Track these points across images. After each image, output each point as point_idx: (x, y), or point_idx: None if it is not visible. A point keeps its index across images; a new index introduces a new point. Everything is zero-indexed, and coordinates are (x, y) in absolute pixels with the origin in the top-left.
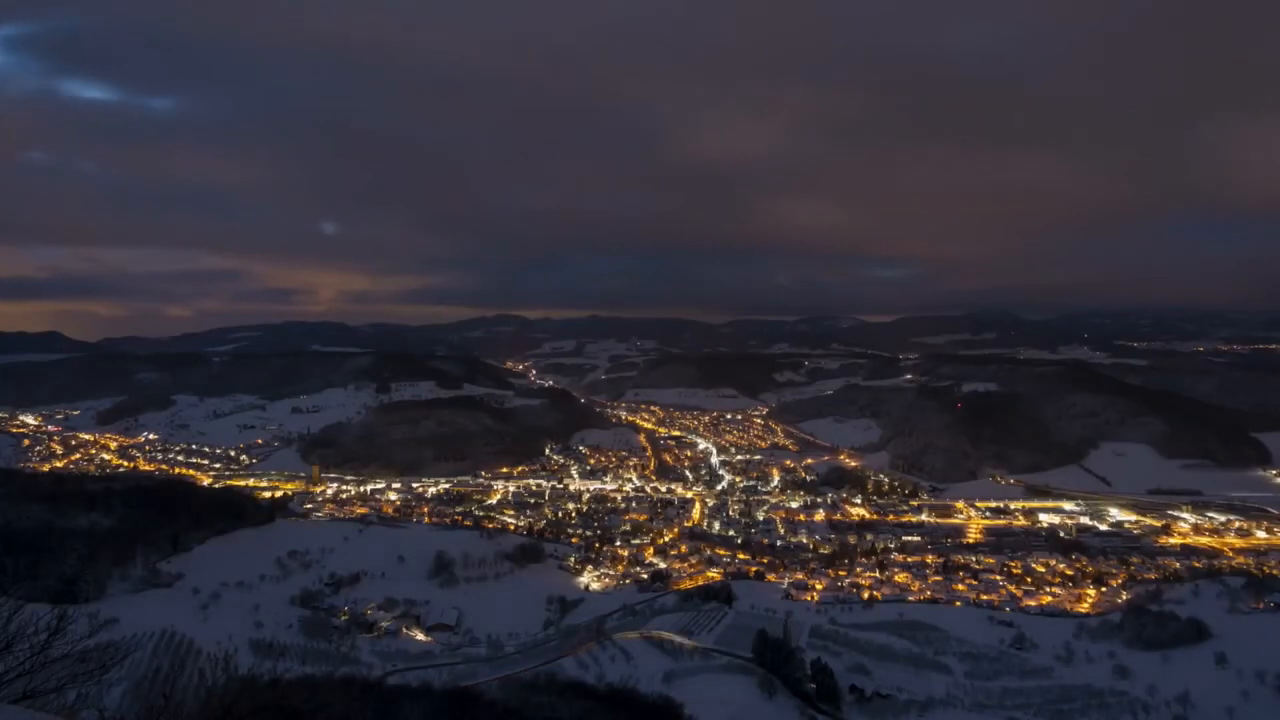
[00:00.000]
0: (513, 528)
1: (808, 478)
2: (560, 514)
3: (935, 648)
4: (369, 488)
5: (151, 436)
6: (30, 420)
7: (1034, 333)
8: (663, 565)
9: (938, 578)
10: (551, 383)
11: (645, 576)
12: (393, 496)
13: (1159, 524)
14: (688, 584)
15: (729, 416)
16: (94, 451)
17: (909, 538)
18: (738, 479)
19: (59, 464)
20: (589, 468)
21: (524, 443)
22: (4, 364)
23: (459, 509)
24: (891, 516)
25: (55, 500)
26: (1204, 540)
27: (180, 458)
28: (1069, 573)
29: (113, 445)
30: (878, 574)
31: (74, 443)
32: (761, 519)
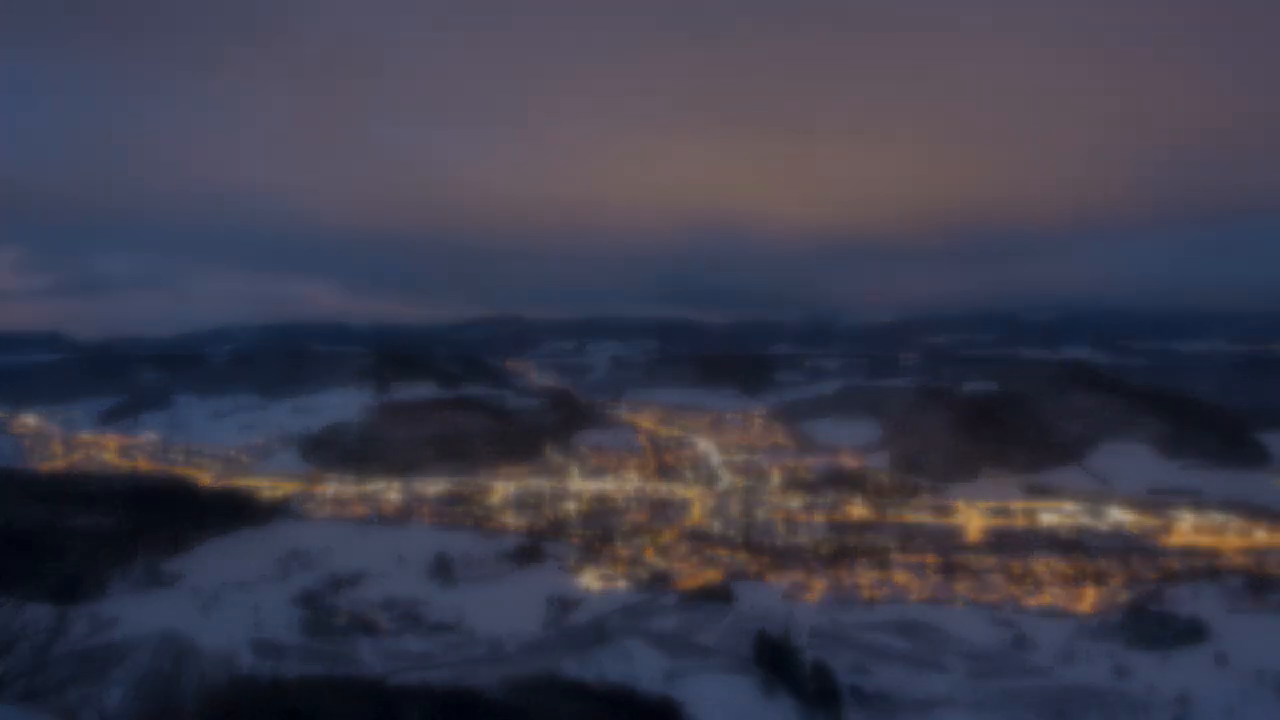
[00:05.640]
0: (513, 528)
1: (808, 478)
2: (560, 514)
3: (935, 648)
4: (369, 488)
5: (151, 436)
6: (30, 420)
7: (1034, 333)
8: (663, 565)
9: (938, 578)
10: (551, 383)
11: (645, 576)
12: (393, 496)
13: (1159, 524)
14: (688, 584)
15: (729, 416)
16: (94, 451)
17: (909, 538)
18: (738, 479)
19: (59, 464)
20: (589, 468)
21: (524, 443)
22: (4, 364)
23: (459, 509)
24: (891, 516)
25: (55, 500)
26: (1204, 540)
27: (180, 458)
28: (1069, 573)
29: (113, 445)
30: (878, 574)
31: (74, 443)
32: (761, 519)
